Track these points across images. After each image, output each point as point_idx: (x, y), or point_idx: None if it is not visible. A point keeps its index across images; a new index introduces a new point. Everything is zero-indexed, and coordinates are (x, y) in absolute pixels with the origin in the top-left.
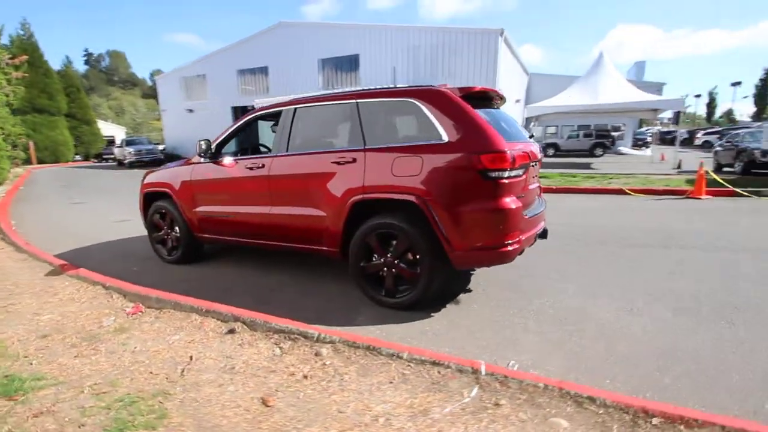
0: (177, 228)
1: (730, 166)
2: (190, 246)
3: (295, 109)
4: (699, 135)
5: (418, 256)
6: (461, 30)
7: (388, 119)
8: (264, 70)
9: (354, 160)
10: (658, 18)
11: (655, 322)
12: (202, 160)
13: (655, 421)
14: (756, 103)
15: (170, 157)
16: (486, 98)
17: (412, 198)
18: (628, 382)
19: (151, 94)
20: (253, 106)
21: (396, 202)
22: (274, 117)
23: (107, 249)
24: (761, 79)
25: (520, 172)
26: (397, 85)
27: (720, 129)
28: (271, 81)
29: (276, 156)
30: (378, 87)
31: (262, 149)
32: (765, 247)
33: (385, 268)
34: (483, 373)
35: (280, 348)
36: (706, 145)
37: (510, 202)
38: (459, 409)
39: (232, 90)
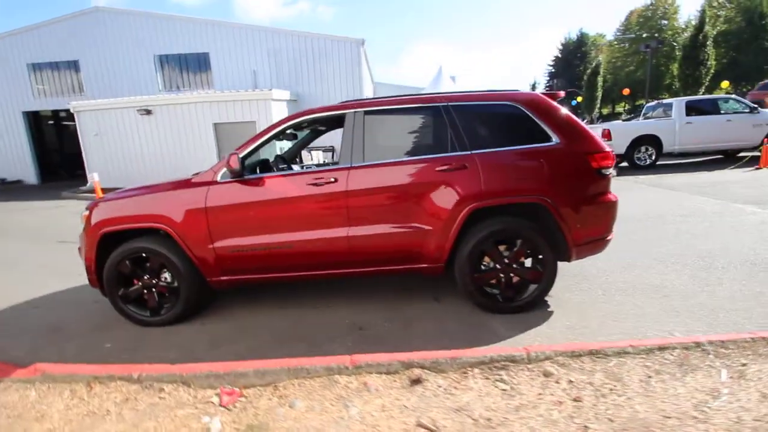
0: (169, 275)
1: None
2: (196, 296)
3: (365, 112)
4: None
5: (540, 256)
6: (324, 36)
7: (490, 123)
8: (73, 65)
9: (465, 166)
10: (454, 39)
11: (695, 280)
12: (218, 179)
13: None
14: None
15: None
16: None
17: (540, 199)
18: (753, 323)
19: None
20: (67, 110)
21: (518, 205)
22: (327, 122)
23: (5, 329)
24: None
25: None
26: (425, 92)
27: None
28: (85, 78)
29: (353, 167)
30: (465, 90)
31: (274, 162)
32: (654, 215)
33: (502, 274)
34: (706, 344)
35: (502, 381)
36: None
37: (614, 195)
38: (728, 378)
39: (23, 90)
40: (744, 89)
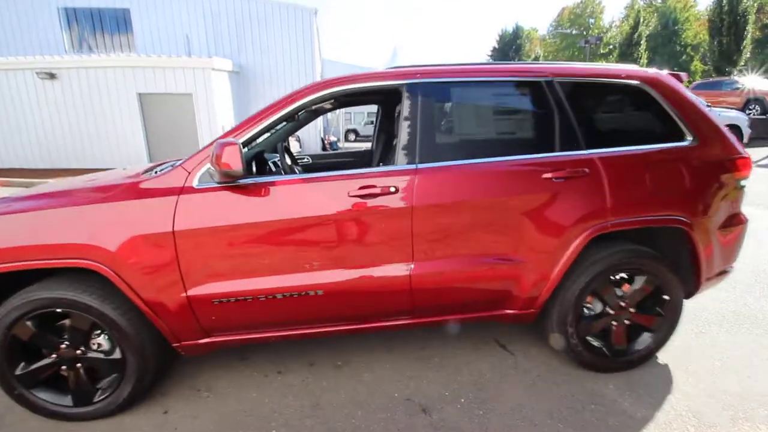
0: (106, 339)
1: None
2: (153, 370)
3: (434, 84)
4: None
5: (666, 296)
6: (272, 2)
7: (608, 110)
8: None
9: (584, 173)
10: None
11: None
12: (195, 183)
13: None
14: None
15: None
16: None
17: (679, 221)
18: None
19: None
20: None
21: (638, 229)
22: (366, 95)
23: None
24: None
25: None
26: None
27: None
28: None
29: (419, 170)
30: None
31: (268, 156)
32: None
33: (614, 322)
34: None
35: None
36: None
37: (744, 214)
38: None
39: None
40: None
